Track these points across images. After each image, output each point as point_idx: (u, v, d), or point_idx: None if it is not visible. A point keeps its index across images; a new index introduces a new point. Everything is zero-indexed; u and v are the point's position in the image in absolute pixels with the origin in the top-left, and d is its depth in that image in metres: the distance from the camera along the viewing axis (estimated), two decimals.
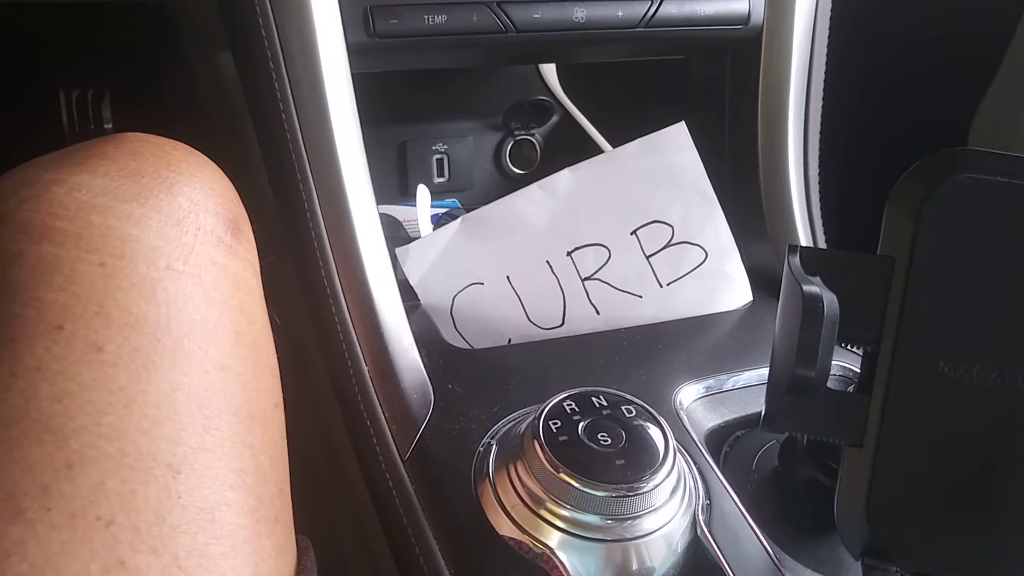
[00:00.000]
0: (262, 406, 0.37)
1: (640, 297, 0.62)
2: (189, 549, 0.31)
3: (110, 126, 1.07)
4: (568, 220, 0.61)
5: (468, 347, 0.60)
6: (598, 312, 0.61)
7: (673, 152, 0.62)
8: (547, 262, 0.61)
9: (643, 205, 0.62)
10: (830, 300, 0.35)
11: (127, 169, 0.36)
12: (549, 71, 0.88)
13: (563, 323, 0.61)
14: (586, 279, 0.61)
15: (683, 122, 0.62)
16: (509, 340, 0.61)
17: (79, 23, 0.98)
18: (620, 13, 0.60)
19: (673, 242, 0.62)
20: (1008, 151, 0.36)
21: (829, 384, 0.57)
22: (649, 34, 0.62)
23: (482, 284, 0.60)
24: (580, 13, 0.59)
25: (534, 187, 0.61)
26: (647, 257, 0.62)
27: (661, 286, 0.62)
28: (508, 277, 0.61)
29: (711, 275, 0.62)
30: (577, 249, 0.61)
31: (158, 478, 0.31)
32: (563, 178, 0.61)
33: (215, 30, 0.60)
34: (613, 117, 0.88)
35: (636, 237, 0.61)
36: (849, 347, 0.37)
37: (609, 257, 0.61)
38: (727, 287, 0.63)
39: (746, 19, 0.64)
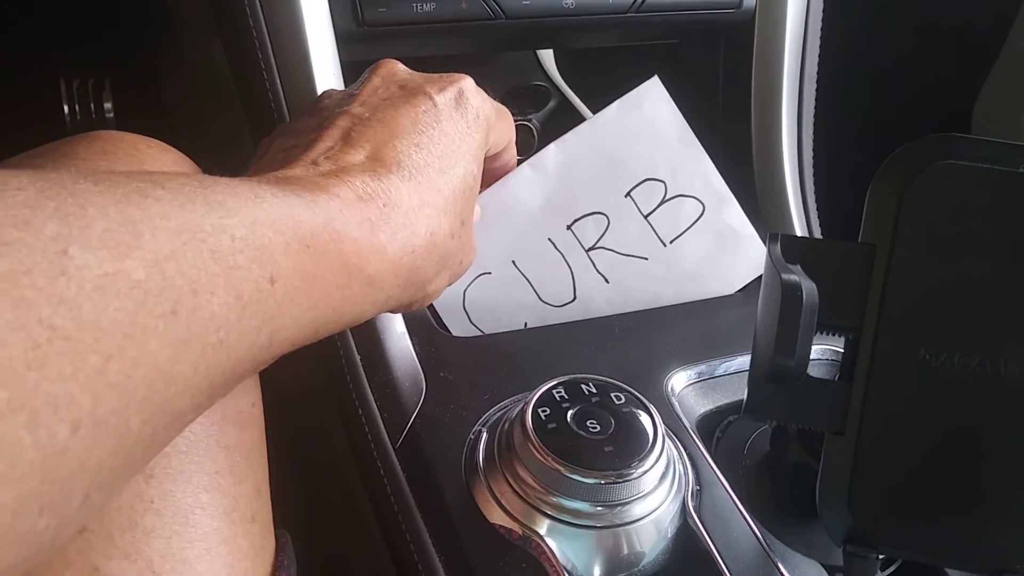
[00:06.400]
0: (238, 407, 0.37)
1: (646, 259, 0.62)
2: (163, 553, 0.31)
3: (111, 115, 1.07)
4: (563, 194, 0.61)
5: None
6: (607, 281, 0.61)
7: (651, 108, 0.62)
8: (549, 239, 0.61)
9: (632, 165, 0.61)
10: (809, 288, 0.35)
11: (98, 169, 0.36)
12: (546, 56, 0.88)
13: (575, 297, 0.61)
14: (590, 249, 0.61)
15: (656, 76, 0.61)
16: (525, 324, 0.60)
17: (79, 12, 0.98)
18: None
19: (667, 198, 0.62)
20: (1013, 133, 0.36)
21: (821, 367, 0.57)
22: (640, 19, 0.61)
23: (490, 273, 0.60)
24: None
25: (524, 167, 0.60)
26: (645, 217, 0.61)
27: (664, 245, 0.62)
28: (514, 261, 0.60)
29: (713, 227, 0.62)
30: (576, 221, 0.61)
31: (130, 483, 0.31)
32: (551, 153, 0.61)
33: (208, 17, 0.60)
34: (610, 102, 0.87)
35: (631, 198, 0.61)
36: (831, 335, 0.37)
37: (608, 224, 0.61)
38: (734, 239, 0.63)
39: (738, 3, 0.64)
